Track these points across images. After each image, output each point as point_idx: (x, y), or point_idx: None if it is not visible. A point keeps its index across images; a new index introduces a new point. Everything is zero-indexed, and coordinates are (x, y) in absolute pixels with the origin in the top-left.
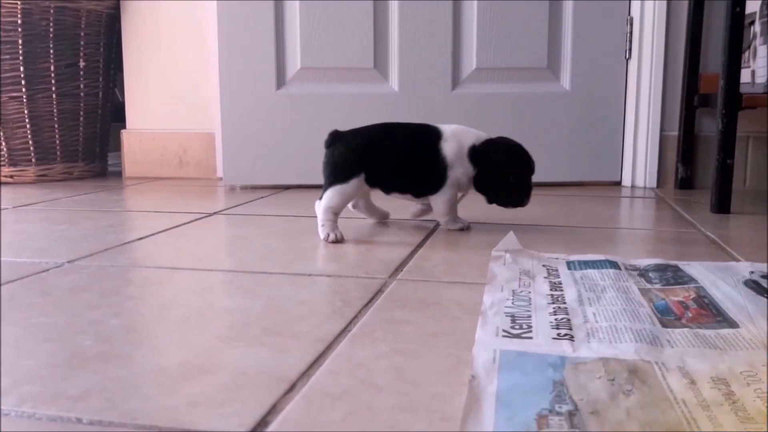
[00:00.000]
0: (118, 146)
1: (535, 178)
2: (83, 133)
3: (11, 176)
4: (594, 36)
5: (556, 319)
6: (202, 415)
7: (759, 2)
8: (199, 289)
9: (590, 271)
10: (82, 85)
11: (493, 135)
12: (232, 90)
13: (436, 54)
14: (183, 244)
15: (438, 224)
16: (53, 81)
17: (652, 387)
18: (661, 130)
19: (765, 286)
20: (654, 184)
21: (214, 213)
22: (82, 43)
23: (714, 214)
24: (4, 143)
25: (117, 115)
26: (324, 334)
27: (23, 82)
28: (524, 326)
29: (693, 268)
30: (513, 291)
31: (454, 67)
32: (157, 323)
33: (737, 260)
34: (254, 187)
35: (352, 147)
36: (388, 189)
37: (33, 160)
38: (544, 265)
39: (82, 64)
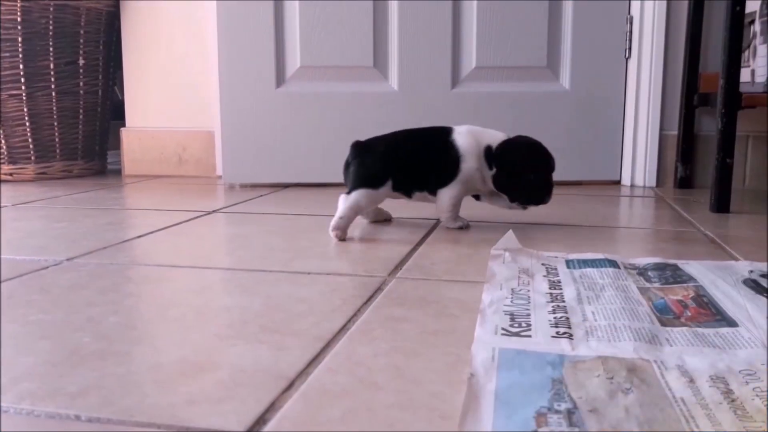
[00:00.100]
0: (117, 144)
1: None
2: (83, 131)
3: (11, 174)
4: (594, 35)
5: (555, 318)
6: (200, 412)
7: (759, 1)
8: (198, 287)
9: (589, 270)
10: (81, 83)
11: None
12: (232, 88)
13: (435, 53)
14: (182, 242)
15: (437, 223)
16: (53, 79)
17: (651, 385)
18: (661, 129)
19: (764, 285)
20: (653, 183)
21: (214, 211)
22: (81, 41)
23: (713, 213)
24: (3, 141)
25: (116, 113)
26: (323, 332)
27: (23, 79)
28: (523, 324)
29: (692, 267)
30: (512, 289)
31: (454, 66)
32: (156, 321)
33: (736, 259)
34: (254, 186)
35: (381, 155)
36: (410, 191)
37: (32, 157)
38: (543, 264)
39: (81, 62)
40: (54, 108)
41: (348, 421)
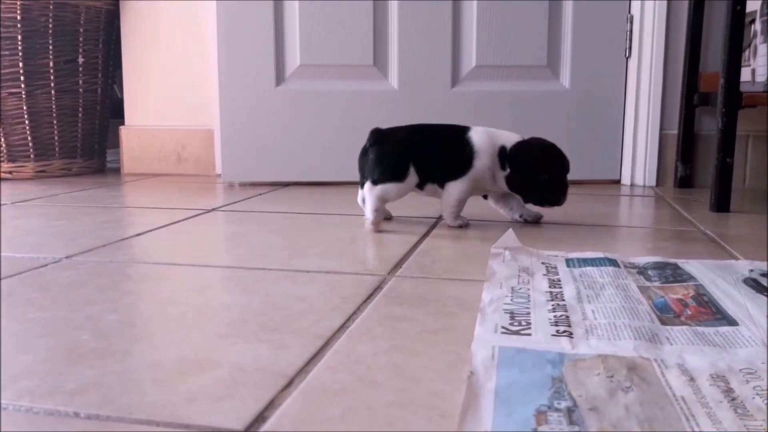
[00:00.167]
0: (116, 142)
1: None
2: (82, 129)
3: (10, 172)
4: (594, 34)
5: (555, 316)
6: (200, 410)
7: (759, 1)
8: (197, 286)
9: (589, 269)
10: (81, 82)
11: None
12: (232, 86)
13: (435, 52)
14: (181, 240)
15: (437, 222)
16: (52, 77)
17: (651, 384)
18: (661, 128)
19: (764, 284)
20: (653, 182)
21: (213, 209)
22: (81, 39)
23: (713, 212)
24: (3, 139)
25: (116, 111)
26: (322, 331)
27: (22, 78)
28: (523, 323)
29: (692, 266)
30: (512, 288)
31: (454, 65)
32: (155, 319)
33: (736, 258)
34: (253, 184)
35: (400, 142)
36: (424, 182)
37: (32, 156)
38: (543, 263)
39: (81, 60)
40: (53, 106)
41: (347, 419)
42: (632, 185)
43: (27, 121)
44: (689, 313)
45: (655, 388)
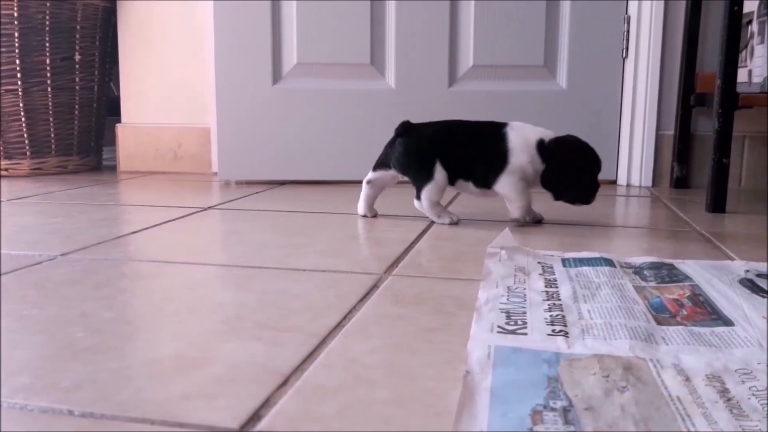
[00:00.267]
0: (112, 140)
1: None
2: (78, 126)
3: (6, 169)
4: (591, 34)
5: (550, 316)
6: (195, 408)
7: (757, 2)
8: (192, 283)
9: (585, 269)
10: (77, 79)
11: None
12: (228, 84)
13: (433, 51)
14: (177, 238)
15: (433, 221)
16: (49, 74)
17: (647, 384)
18: (657, 129)
19: (760, 284)
20: (649, 183)
21: (209, 207)
22: (77, 36)
23: (709, 213)
24: None
25: (112, 108)
26: (318, 329)
27: (19, 75)
28: (519, 322)
29: (688, 267)
30: (508, 287)
31: (451, 64)
32: (150, 316)
33: (732, 259)
34: (249, 182)
35: (427, 138)
36: (454, 176)
37: (28, 153)
38: (539, 262)
39: (77, 57)
40: (49, 103)
41: (343, 417)
42: (628, 185)
43: (23, 119)
44: (685, 313)
45: (651, 388)
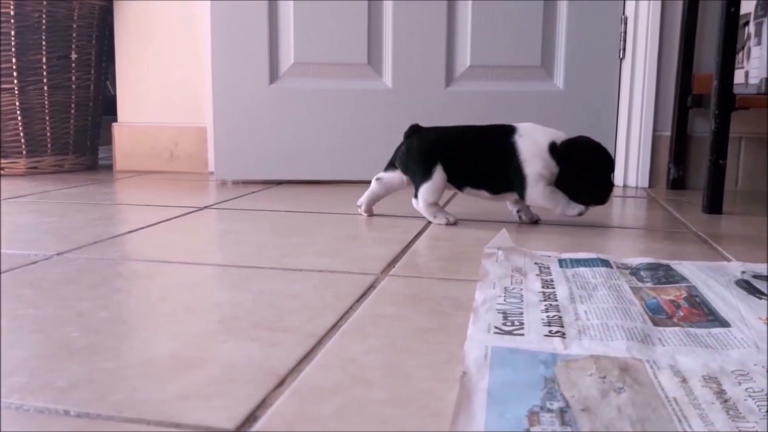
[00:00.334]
0: (109, 139)
1: None
2: (74, 125)
3: (1, 168)
4: (588, 35)
5: (547, 317)
6: (191, 408)
7: (753, 3)
8: (189, 283)
9: (582, 269)
10: (73, 78)
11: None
12: (225, 84)
13: (430, 51)
14: (173, 237)
15: (430, 221)
16: (45, 73)
17: (644, 385)
18: (654, 130)
19: (756, 286)
20: (646, 184)
21: (205, 207)
22: (74, 35)
23: (706, 214)
24: None
25: (108, 107)
26: (315, 329)
27: (15, 73)
28: (516, 323)
29: (684, 268)
30: (505, 288)
31: (448, 65)
32: (146, 316)
33: (729, 260)
34: (246, 182)
35: (428, 140)
36: (461, 182)
37: (24, 152)
38: (536, 263)
39: (74, 56)
40: (46, 102)
41: (340, 417)
42: (625, 186)
43: (19, 117)
44: (681, 314)
45: (648, 389)
